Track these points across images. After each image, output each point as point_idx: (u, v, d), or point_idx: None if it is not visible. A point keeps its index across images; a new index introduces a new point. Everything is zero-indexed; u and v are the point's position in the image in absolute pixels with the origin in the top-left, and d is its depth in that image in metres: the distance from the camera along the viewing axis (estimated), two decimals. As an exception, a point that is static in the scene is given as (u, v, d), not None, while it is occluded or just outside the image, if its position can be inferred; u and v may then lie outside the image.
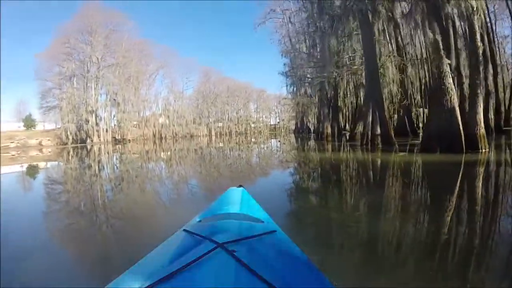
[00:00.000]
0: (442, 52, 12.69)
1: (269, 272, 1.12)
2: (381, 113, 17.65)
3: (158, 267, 1.27)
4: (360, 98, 27.32)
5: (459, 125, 12.06)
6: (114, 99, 57.86)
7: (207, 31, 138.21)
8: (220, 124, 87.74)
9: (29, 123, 63.02)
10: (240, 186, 2.64)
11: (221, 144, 37.04)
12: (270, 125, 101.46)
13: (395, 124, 25.70)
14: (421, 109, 30.28)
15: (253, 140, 46.40)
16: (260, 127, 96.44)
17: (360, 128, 22.02)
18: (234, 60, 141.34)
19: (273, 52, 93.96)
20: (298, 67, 41.55)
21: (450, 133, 12.10)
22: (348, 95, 30.48)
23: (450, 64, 13.08)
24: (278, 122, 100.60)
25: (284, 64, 48.90)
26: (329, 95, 30.92)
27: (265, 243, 1.49)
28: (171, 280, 1.06)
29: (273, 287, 1.02)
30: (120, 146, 41.98)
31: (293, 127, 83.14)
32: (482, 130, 12.35)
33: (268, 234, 1.61)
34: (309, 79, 38.60)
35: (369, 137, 17.67)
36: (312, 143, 27.67)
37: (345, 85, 28.93)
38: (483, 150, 12.10)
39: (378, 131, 17.47)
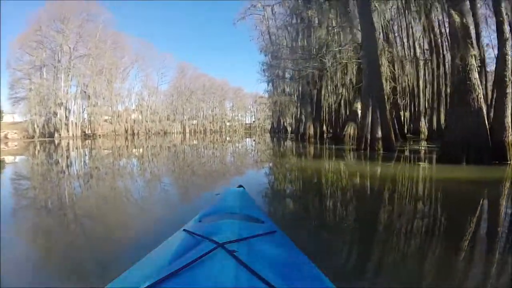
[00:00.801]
0: (470, 40, 10.57)
1: (269, 272, 1.17)
2: (382, 112, 15.21)
3: (158, 267, 1.29)
4: (346, 96, 25.83)
5: (487, 129, 10.14)
6: (85, 92, 54.83)
7: (184, 27, 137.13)
8: (195, 122, 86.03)
9: (-5, 114, 58.79)
10: (240, 186, 2.85)
11: (195, 142, 36.25)
12: (246, 124, 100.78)
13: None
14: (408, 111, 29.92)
15: (227, 138, 45.04)
16: (235, 126, 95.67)
17: (350, 129, 20.39)
18: (210, 58, 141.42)
19: (250, 51, 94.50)
20: (277, 64, 40.34)
21: (478, 139, 10.07)
22: (330, 93, 28.41)
23: (475, 56, 10.72)
24: (254, 121, 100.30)
25: (263, 63, 47.23)
26: (312, 93, 29.27)
27: (265, 243, 1.53)
28: (171, 280, 1.08)
29: (273, 287, 1.04)
30: (90, 141, 39.61)
31: (269, 127, 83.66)
32: (510, 136, 10.17)
33: (268, 234, 1.66)
34: (290, 76, 37.86)
35: (368, 140, 15.26)
36: (291, 144, 25.72)
37: (328, 82, 26.89)
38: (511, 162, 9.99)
39: (379, 133, 15.06)
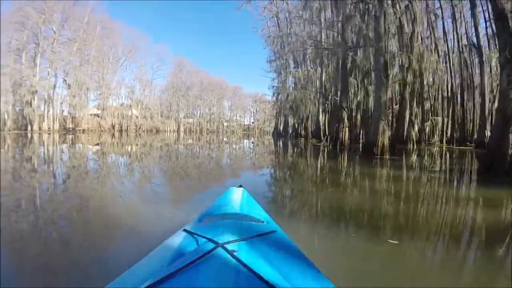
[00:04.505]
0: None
1: (269, 272, 1.17)
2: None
3: (158, 267, 1.31)
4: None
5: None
6: (65, 80, 48.32)
7: (181, 20, 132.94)
8: (191, 120, 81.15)
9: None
10: (240, 186, 2.76)
11: (190, 141, 32.78)
12: (244, 125, 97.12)
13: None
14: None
15: (224, 139, 40.67)
16: (233, 126, 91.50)
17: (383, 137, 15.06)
18: (209, 54, 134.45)
19: (252, 48, 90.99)
20: (288, 51, 36.77)
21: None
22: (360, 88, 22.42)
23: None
24: (253, 122, 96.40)
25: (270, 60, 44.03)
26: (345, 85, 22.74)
27: (265, 243, 1.56)
28: (171, 280, 1.09)
29: (273, 287, 1.05)
30: (67, 136, 34.69)
31: (269, 129, 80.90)
32: None
33: (268, 234, 1.70)
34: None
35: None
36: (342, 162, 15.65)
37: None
38: None
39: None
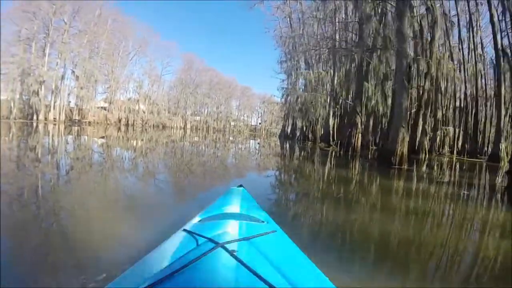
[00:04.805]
0: None
1: (269, 272, 1.19)
2: None
3: (158, 267, 1.30)
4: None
5: None
6: (73, 71, 47.93)
7: (193, 19, 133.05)
8: (198, 118, 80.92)
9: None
10: (240, 186, 2.89)
11: (196, 139, 32.18)
12: (251, 125, 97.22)
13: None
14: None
15: (231, 139, 39.49)
16: (240, 126, 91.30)
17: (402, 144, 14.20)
18: (220, 53, 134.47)
19: (263, 50, 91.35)
20: (301, 52, 36.33)
21: None
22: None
23: None
24: (260, 123, 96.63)
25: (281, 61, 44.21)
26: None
27: (265, 243, 1.55)
28: (171, 280, 1.09)
29: (273, 287, 1.05)
30: (72, 128, 33.96)
31: (275, 130, 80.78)
32: None
33: (268, 234, 1.69)
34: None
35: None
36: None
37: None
38: None
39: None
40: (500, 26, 22.96)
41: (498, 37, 22.81)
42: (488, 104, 28.96)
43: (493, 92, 28.38)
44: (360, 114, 19.97)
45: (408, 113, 21.00)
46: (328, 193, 7.69)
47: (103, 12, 51.48)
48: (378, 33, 18.39)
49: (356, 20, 21.03)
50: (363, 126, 20.67)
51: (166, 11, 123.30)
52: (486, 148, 27.13)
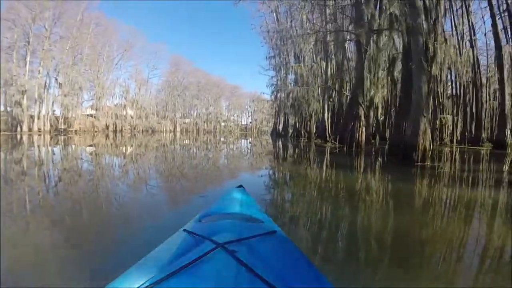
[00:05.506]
0: None
1: (269, 272, 1.18)
2: None
3: (158, 267, 1.30)
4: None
5: None
6: (56, 79, 46.50)
7: (178, 18, 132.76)
8: (187, 120, 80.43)
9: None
10: (240, 186, 2.76)
11: (186, 141, 31.69)
12: (241, 125, 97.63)
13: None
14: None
15: (221, 139, 39.27)
16: (230, 126, 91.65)
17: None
18: (206, 53, 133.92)
19: (250, 48, 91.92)
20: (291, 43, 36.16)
21: None
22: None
23: None
24: (250, 122, 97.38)
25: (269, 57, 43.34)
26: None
27: (265, 243, 1.54)
28: (171, 280, 1.09)
29: (273, 287, 1.05)
30: (60, 137, 33.16)
31: (266, 129, 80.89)
32: None
33: (268, 234, 1.65)
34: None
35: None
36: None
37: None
38: None
39: None
40: (499, 9, 22.28)
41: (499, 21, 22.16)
42: (484, 90, 28.25)
43: (485, 78, 27.85)
44: (363, 105, 18.70)
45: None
46: (343, 218, 4.96)
47: (85, 16, 50.16)
48: (382, 11, 17.12)
49: (352, 3, 19.77)
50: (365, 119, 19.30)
51: (152, 12, 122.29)
52: (484, 135, 26.45)
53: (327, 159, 15.45)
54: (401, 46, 16.02)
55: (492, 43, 24.29)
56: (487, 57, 32.52)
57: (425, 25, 12.56)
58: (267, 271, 1.17)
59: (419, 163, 11.61)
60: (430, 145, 12.25)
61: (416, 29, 12.53)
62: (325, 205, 5.86)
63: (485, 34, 30.97)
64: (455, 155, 17.52)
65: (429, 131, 12.19)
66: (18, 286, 2.58)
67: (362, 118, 19.05)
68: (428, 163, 11.77)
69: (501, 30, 22.56)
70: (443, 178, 9.24)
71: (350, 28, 20.43)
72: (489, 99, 29.69)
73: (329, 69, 29.13)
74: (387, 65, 18.26)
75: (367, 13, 17.56)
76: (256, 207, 2.41)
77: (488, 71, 31.06)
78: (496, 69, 23.88)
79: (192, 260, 1.17)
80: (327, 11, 26.63)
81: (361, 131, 19.08)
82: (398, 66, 17.80)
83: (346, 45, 25.50)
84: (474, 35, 27.43)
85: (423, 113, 12.01)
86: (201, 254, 1.21)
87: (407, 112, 13.14)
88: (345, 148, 19.34)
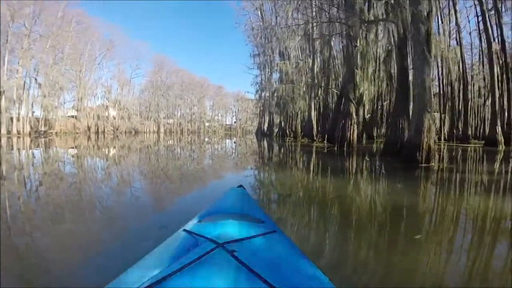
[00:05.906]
0: None
1: (269, 272, 1.17)
2: None
3: (158, 267, 1.29)
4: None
5: None
6: (36, 79, 45.10)
7: (162, 17, 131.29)
8: (171, 121, 79.71)
9: None
10: (240, 186, 2.65)
11: (170, 142, 31.45)
12: (226, 124, 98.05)
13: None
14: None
15: (206, 140, 39.19)
16: (215, 127, 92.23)
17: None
18: (190, 53, 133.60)
19: (236, 47, 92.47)
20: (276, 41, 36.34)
21: None
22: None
23: None
24: (235, 122, 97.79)
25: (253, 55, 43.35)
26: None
27: (265, 243, 1.54)
28: (171, 280, 1.08)
29: (273, 287, 1.06)
30: (42, 140, 31.90)
31: (251, 128, 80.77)
32: None
33: (268, 234, 1.66)
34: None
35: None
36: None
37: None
38: None
39: None
40: (487, 7, 22.28)
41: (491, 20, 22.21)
42: (469, 88, 28.34)
43: (471, 76, 27.97)
44: (354, 102, 18.04)
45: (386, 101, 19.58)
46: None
47: (66, 13, 48.85)
48: (372, 3, 16.51)
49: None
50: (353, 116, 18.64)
51: (134, 11, 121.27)
52: (470, 132, 26.53)
53: (318, 160, 14.59)
54: (394, 39, 15.54)
55: (477, 42, 24.41)
56: (471, 55, 32.87)
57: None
58: (267, 271, 1.16)
59: (423, 164, 10.88)
60: (434, 144, 11.53)
61: (417, 17, 11.78)
62: (333, 234, 4.14)
63: (469, 33, 31.54)
64: (455, 154, 17.30)
65: (433, 128, 11.49)
66: (18, 286, 2.58)
67: (354, 115, 18.43)
68: (434, 164, 11.03)
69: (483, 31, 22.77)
70: (465, 184, 8.09)
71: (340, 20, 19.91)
72: (474, 97, 29.94)
73: (315, 66, 28.96)
74: (379, 59, 17.56)
75: (359, 3, 16.87)
76: (256, 207, 2.38)
77: (473, 69, 31.35)
78: (486, 67, 24.01)
79: (192, 260, 1.17)
80: (315, 2, 25.94)
81: (353, 129, 18.41)
82: (388, 61, 17.32)
83: (332, 43, 25.26)
84: (460, 33, 27.56)
85: (427, 108, 11.31)
86: (201, 254, 1.21)
87: (405, 108, 12.68)
88: (335, 148, 18.71)
